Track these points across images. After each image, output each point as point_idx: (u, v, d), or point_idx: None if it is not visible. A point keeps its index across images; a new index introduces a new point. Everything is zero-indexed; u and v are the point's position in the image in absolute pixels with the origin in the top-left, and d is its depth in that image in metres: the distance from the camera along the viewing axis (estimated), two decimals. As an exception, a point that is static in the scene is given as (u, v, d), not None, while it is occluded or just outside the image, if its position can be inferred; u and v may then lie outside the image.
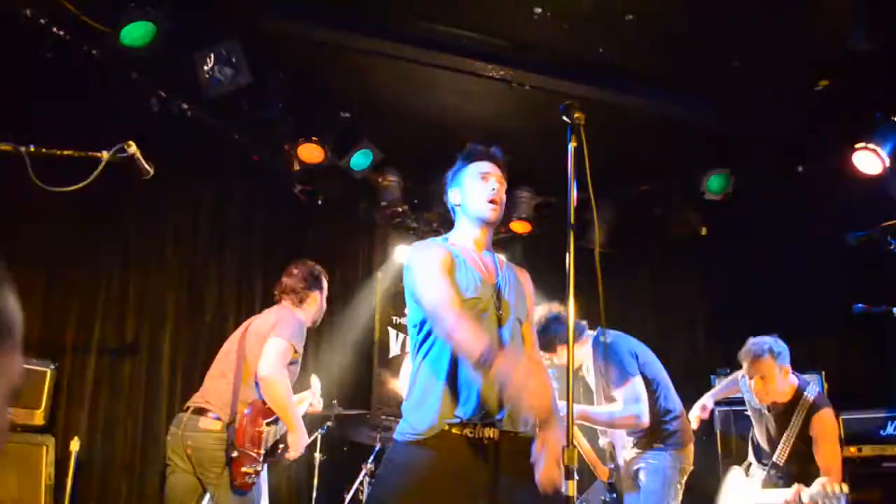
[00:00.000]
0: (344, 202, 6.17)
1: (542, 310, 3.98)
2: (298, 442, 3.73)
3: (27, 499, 3.88)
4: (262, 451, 3.61)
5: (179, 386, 5.16)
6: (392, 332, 6.62)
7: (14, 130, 2.45)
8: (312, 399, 4.24)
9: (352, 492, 5.12)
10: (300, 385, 3.96)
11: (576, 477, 1.95)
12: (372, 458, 5.13)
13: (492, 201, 2.59)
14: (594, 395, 4.08)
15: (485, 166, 2.64)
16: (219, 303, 5.64)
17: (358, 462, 5.23)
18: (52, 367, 4.29)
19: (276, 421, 3.71)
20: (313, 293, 4.00)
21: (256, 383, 3.62)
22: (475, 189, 2.61)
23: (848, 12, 4.44)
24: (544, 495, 2.29)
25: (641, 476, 3.89)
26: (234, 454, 3.47)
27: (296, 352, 3.72)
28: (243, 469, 3.48)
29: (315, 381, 4.31)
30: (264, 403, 3.63)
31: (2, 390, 0.84)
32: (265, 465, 3.67)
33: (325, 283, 4.10)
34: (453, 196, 2.67)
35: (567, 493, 1.95)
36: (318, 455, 5.20)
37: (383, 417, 5.10)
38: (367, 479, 5.06)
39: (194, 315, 5.43)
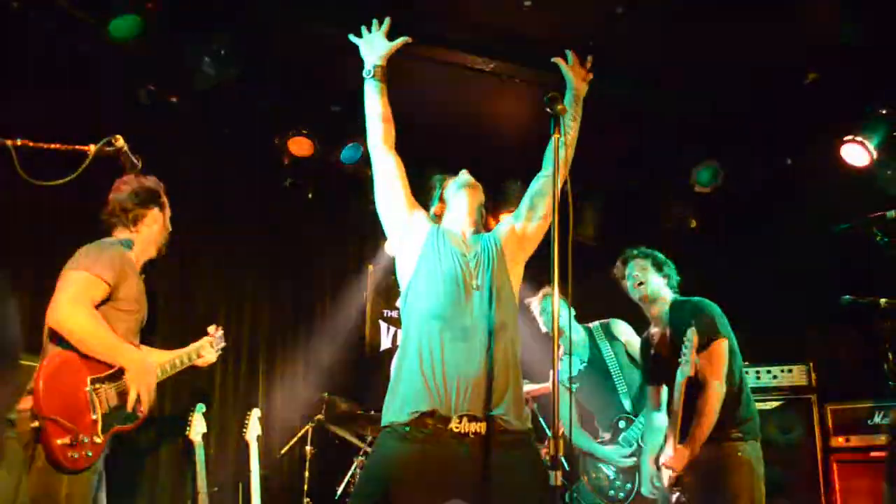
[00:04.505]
0: (334, 196, 6.15)
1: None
2: (136, 378, 2.94)
3: (24, 497, 3.84)
4: (95, 417, 2.81)
5: (169, 382, 5.13)
6: (383, 325, 6.62)
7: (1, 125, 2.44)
8: (203, 349, 3.64)
9: (343, 485, 5.13)
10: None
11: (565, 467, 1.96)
12: (363, 450, 5.14)
13: (467, 172, 2.97)
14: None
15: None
16: (208, 296, 5.62)
17: (349, 455, 5.23)
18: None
19: (114, 376, 2.93)
20: (150, 210, 3.27)
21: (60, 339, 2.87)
22: (453, 179, 2.99)
23: (837, 5, 4.46)
24: (530, 491, 2.30)
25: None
26: (35, 424, 2.67)
27: (106, 283, 2.97)
28: (59, 442, 2.68)
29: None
30: (82, 357, 2.87)
31: None
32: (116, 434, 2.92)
33: (164, 199, 3.35)
34: (438, 208, 3.04)
35: (554, 482, 1.96)
36: (309, 448, 5.20)
37: (373, 412, 5.09)
38: (358, 471, 5.07)
39: (183, 311, 5.41)
